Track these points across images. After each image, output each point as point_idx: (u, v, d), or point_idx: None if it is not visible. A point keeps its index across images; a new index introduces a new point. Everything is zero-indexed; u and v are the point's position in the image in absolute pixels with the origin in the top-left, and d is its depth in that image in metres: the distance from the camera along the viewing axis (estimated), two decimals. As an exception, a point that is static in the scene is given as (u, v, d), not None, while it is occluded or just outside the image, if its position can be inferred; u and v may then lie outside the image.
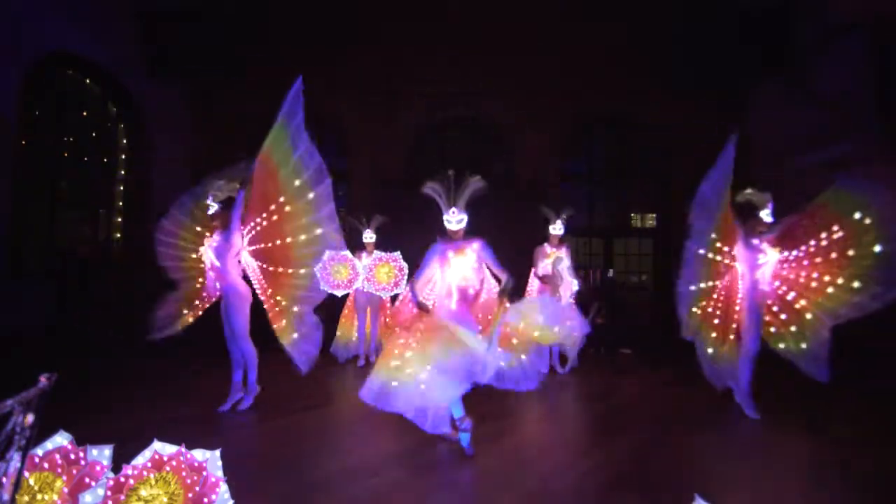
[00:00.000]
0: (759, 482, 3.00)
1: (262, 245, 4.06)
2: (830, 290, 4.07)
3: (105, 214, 8.37)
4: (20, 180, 6.86)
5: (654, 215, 10.04)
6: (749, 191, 4.41)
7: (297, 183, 3.74)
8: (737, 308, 4.35)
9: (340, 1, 8.87)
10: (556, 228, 5.85)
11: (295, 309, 4.01)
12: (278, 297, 4.05)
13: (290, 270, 3.99)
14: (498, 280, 3.63)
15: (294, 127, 3.63)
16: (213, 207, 4.22)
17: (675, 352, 5.32)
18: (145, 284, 8.17)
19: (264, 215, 3.95)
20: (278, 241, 3.94)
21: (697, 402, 4.74)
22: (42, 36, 6.92)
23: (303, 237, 3.85)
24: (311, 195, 3.74)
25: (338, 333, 6.54)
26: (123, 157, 8.54)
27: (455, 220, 3.37)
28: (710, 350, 4.33)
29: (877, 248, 3.84)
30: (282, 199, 3.82)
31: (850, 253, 3.97)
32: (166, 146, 8.72)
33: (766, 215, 4.41)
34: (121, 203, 8.50)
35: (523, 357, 3.45)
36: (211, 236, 4.31)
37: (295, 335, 3.99)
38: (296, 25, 8.87)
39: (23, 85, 6.76)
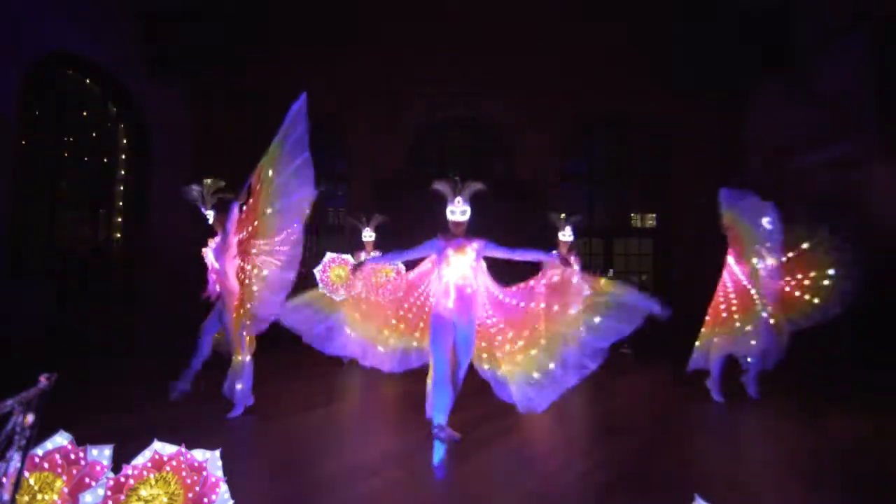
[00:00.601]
0: (759, 482, 3.00)
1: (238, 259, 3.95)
2: (797, 304, 4.83)
3: (105, 214, 8.36)
4: (20, 180, 6.85)
5: (654, 215, 10.04)
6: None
7: (268, 210, 3.50)
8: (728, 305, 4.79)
9: (340, 1, 8.87)
10: (566, 235, 5.62)
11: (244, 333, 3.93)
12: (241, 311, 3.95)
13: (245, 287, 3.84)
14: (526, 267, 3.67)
15: (288, 147, 3.36)
16: (210, 216, 4.24)
17: (675, 352, 5.33)
18: (145, 284, 8.22)
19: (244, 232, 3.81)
20: (244, 262, 3.81)
21: (697, 402, 4.75)
22: (42, 36, 6.92)
23: (255, 271, 3.68)
24: (276, 225, 3.51)
25: None
26: (123, 157, 8.53)
27: (459, 210, 3.30)
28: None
29: (830, 272, 4.71)
30: (255, 223, 3.62)
31: (812, 274, 4.82)
32: (166, 146, 8.72)
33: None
34: (121, 203, 8.50)
35: (551, 366, 3.41)
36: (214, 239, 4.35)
37: (247, 357, 4.00)
38: (296, 25, 8.87)
39: (23, 85, 6.75)
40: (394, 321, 3.85)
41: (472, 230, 3.46)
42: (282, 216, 3.48)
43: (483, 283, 3.57)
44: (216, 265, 4.19)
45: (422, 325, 3.65)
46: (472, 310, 3.29)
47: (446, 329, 3.23)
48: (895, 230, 6.07)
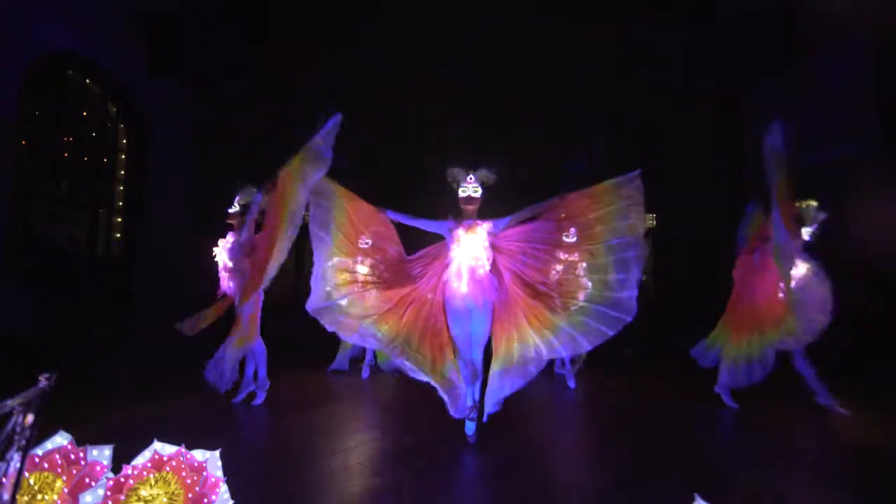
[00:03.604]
0: (760, 482, 3.00)
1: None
2: None
3: (105, 214, 8.36)
4: (20, 180, 6.86)
5: (654, 215, 10.04)
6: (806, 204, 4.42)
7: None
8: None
9: (340, 0, 8.88)
10: (570, 237, 5.48)
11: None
12: None
13: None
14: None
15: (317, 161, 3.64)
16: (235, 208, 4.33)
17: (675, 352, 5.33)
18: (145, 284, 8.21)
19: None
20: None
21: (697, 402, 4.75)
22: (42, 36, 6.91)
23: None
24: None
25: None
26: (123, 157, 8.54)
27: (472, 187, 3.32)
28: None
29: None
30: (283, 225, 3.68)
31: None
32: (166, 146, 8.73)
33: (805, 233, 4.40)
34: (121, 203, 8.50)
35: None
36: (226, 237, 4.45)
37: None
38: (296, 25, 8.88)
39: (23, 85, 6.75)
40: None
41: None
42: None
43: (501, 264, 3.47)
44: (229, 264, 4.30)
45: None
46: (487, 293, 3.23)
47: (463, 313, 3.25)
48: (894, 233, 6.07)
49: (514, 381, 3.32)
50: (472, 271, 3.17)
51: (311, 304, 3.37)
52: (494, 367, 3.38)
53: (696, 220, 8.97)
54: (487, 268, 3.24)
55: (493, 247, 3.34)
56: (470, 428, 3.37)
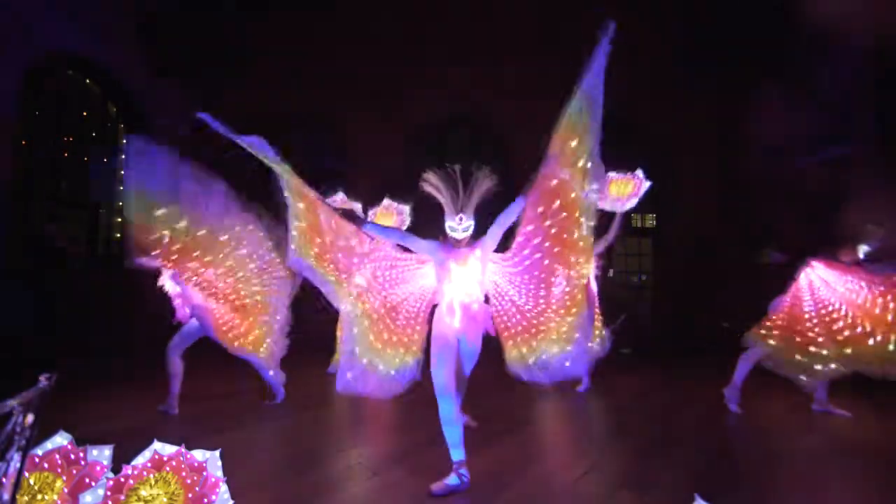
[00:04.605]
0: (760, 482, 3.00)
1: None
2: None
3: (105, 214, 8.36)
4: (20, 180, 6.86)
5: (654, 215, 10.04)
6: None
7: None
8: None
9: (340, 0, 8.88)
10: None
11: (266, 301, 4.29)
12: (242, 293, 4.28)
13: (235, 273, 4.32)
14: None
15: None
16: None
17: (675, 352, 5.33)
18: (145, 284, 8.21)
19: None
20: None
21: (697, 402, 4.75)
22: (42, 36, 6.91)
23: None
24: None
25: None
26: (123, 157, 8.54)
27: (461, 227, 2.92)
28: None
29: None
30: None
31: None
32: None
33: (862, 251, 4.31)
34: (121, 203, 8.51)
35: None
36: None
37: (268, 341, 4.31)
38: (295, 25, 8.88)
39: (23, 85, 6.75)
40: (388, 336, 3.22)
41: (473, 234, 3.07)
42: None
43: (493, 285, 3.20)
44: (177, 289, 4.39)
45: (411, 338, 3.19)
46: (480, 325, 2.97)
47: (450, 350, 2.90)
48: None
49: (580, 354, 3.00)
50: (466, 308, 2.89)
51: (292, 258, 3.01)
52: (550, 348, 3.02)
53: (696, 220, 8.97)
54: (482, 299, 2.97)
55: (486, 264, 3.07)
56: (450, 480, 2.79)
